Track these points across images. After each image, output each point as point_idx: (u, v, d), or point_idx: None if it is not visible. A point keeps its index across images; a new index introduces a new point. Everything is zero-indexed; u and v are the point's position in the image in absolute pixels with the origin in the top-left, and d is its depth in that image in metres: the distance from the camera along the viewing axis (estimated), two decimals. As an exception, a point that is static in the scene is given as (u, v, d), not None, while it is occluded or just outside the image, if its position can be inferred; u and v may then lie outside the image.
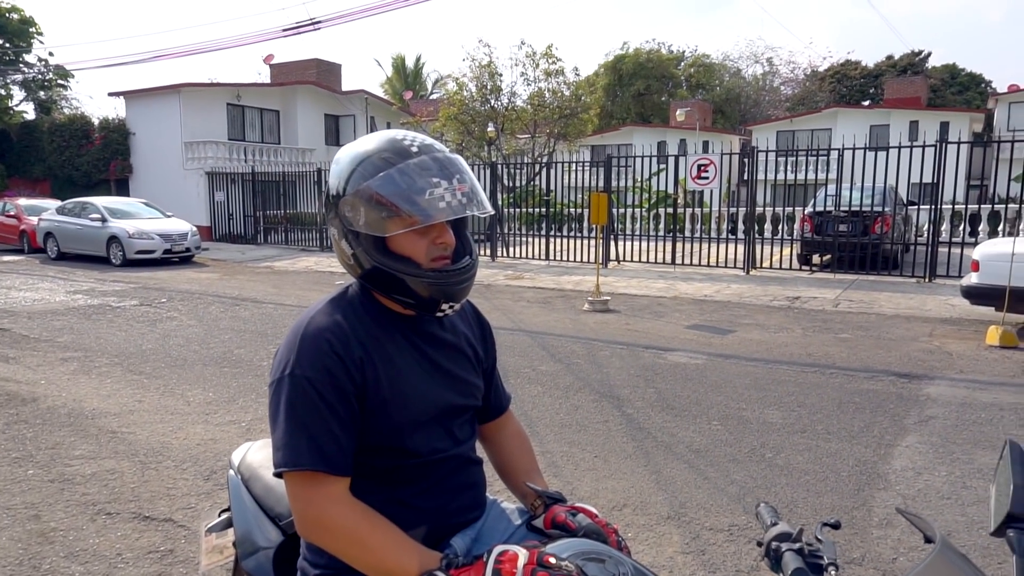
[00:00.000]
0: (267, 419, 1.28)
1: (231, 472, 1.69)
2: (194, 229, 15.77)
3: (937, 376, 5.67)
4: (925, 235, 11.48)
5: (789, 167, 21.76)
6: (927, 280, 10.85)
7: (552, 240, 14.80)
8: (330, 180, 1.30)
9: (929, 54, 42.20)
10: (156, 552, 2.91)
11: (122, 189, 22.96)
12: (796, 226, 12.88)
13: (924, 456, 3.95)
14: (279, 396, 1.23)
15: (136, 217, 15.41)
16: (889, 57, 42.99)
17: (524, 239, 15.45)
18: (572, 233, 15.24)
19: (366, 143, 1.29)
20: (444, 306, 1.30)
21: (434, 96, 37.08)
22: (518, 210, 16.68)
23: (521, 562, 1.09)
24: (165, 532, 3.08)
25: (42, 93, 27.32)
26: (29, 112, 27.58)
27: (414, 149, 1.25)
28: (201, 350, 6.69)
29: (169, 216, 16.19)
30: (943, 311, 8.59)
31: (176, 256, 15.11)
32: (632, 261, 13.84)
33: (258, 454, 1.68)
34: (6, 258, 16.33)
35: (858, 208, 11.37)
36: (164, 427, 4.47)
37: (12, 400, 5.03)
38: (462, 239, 1.36)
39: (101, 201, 15.82)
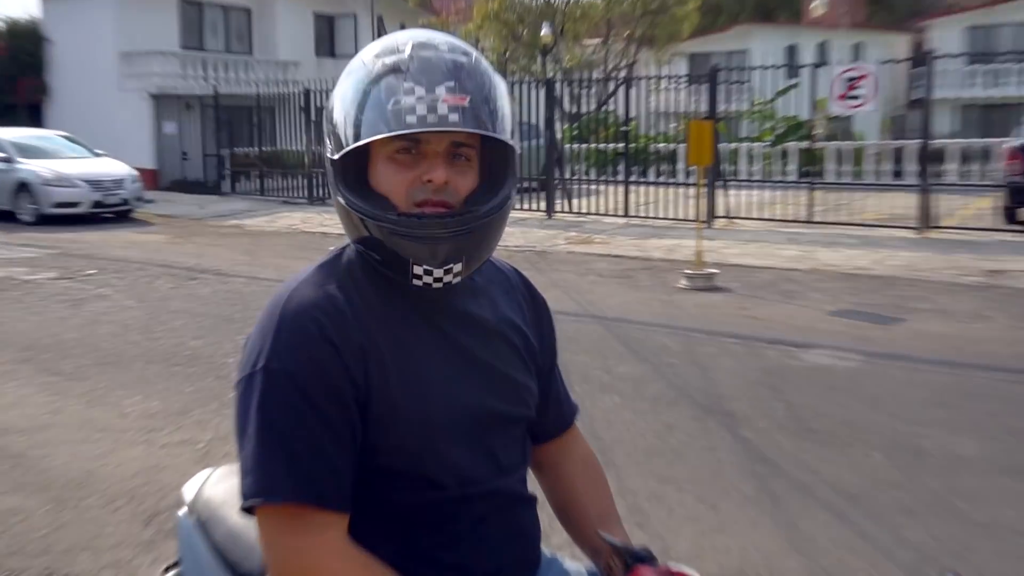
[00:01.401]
0: (233, 435, 1.29)
1: (182, 513, 1.72)
2: (134, 173, 16.20)
3: None
4: None
5: (986, 80, 21.05)
6: None
7: (633, 189, 14.67)
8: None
9: None
10: (75, 626, 2.96)
11: (35, 118, 23.57)
12: (1000, 166, 12.45)
13: None
14: (249, 399, 1.24)
15: (54, 156, 15.89)
16: None
17: (594, 187, 15.35)
18: (662, 178, 15.13)
19: (368, 48, 1.34)
20: (417, 270, 1.29)
21: (466, -15, 37.01)
22: (585, 146, 16.58)
23: None
24: (88, 598, 3.14)
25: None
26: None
27: (404, 50, 1.28)
28: (143, 342, 6.83)
29: (99, 155, 16.62)
30: None
31: (109, 211, 15.53)
32: (749, 218, 13.70)
33: (220, 486, 1.70)
34: None
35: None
36: (89, 449, 4.55)
37: None
38: (493, 184, 1.34)
39: (6, 134, 16.27)
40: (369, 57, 1.30)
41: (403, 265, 1.28)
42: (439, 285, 1.30)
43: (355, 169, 1.29)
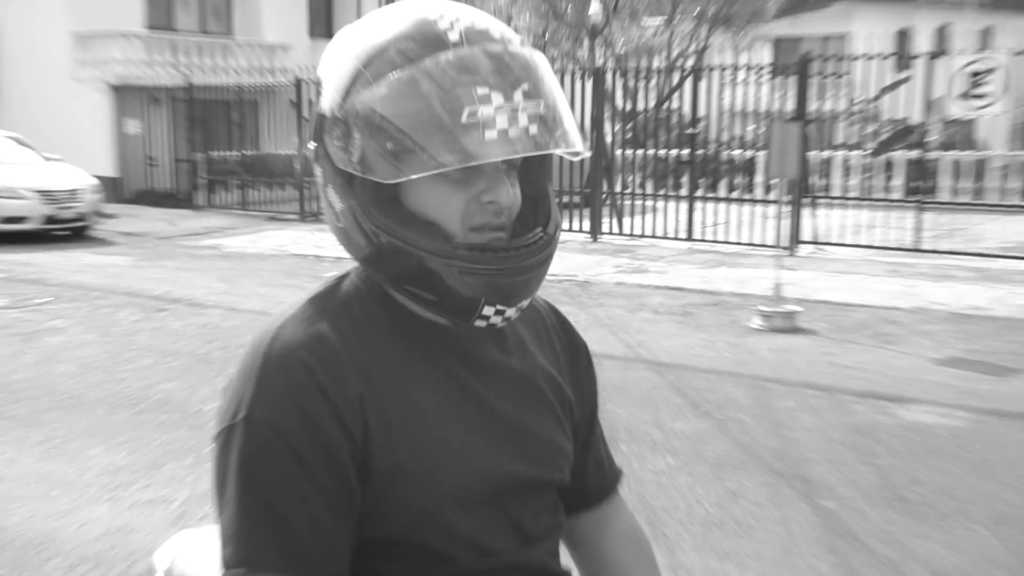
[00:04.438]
0: (212, 495, 1.31)
1: (154, 583, 1.83)
2: (93, 183, 16.31)
3: None
4: None
5: None
6: None
7: (700, 206, 14.67)
8: (321, 89, 1.31)
9: None
10: None
11: (-27, 115, 23.99)
12: None
13: None
14: (229, 454, 1.25)
15: (-2, 162, 16.00)
16: None
17: (651, 204, 15.33)
18: (735, 194, 15.13)
19: (378, 24, 1.29)
20: (488, 311, 1.29)
21: (497, -47, 37.33)
22: (641, 153, 16.53)
23: None
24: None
25: None
26: None
27: (453, 36, 1.22)
28: (106, 383, 6.93)
29: (51, 161, 16.75)
30: None
31: (63, 227, 15.69)
32: (842, 244, 13.68)
33: (197, 553, 1.73)
34: None
35: None
36: (48, 507, 4.67)
37: None
38: (537, 198, 1.37)
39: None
40: (402, 41, 1.23)
41: (470, 305, 1.28)
42: (502, 322, 1.32)
43: (390, 188, 1.26)
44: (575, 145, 1.25)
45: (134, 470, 5.24)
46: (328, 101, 1.28)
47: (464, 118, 1.16)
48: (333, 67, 1.30)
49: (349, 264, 1.40)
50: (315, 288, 1.40)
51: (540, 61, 1.26)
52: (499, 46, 1.22)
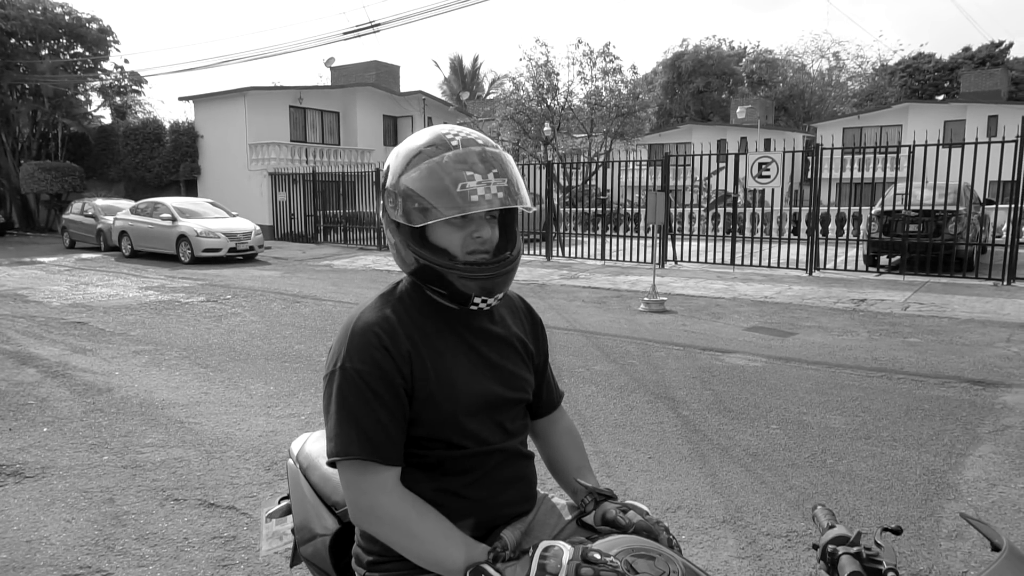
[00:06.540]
0: (322, 412, 1.32)
1: (290, 462, 1.73)
2: (257, 228, 16.24)
3: (1015, 384, 5.38)
4: (1004, 235, 10.94)
5: (856, 165, 21.09)
6: (1005, 283, 10.35)
7: (608, 240, 14.71)
8: (386, 175, 1.32)
9: (1011, 45, 40.20)
10: (220, 537, 3.02)
11: (191, 190, 23.89)
12: (863, 226, 12.44)
13: (999, 467, 3.76)
14: (331, 388, 1.26)
15: (203, 217, 15.99)
16: (966, 49, 41.14)
17: (580, 239, 15.39)
18: (628, 233, 15.10)
19: (417, 138, 1.30)
20: (477, 299, 1.29)
21: (491, 96, 37.29)
22: (574, 210, 16.64)
23: (566, 558, 1.10)
24: (228, 519, 3.19)
25: (118, 99, 28.59)
26: (106, 117, 28.94)
27: (455, 142, 1.25)
28: (263, 345, 6.85)
29: (234, 216, 16.72)
30: (1023, 315, 8.15)
31: (240, 254, 15.60)
32: (690, 262, 13.64)
33: (315, 445, 1.71)
34: (84, 256, 17.18)
35: (930, 207, 10.90)
36: (228, 418, 4.62)
37: (89, 390, 5.29)
38: (508, 234, 1.35)
39: (171, 201, 16.47)
40: (427, 147, 1.25)
41: (466, 297, 1.28)
42: (486, 307, 1.31)
43: (419, 229, 1.27)
44: (526, 203, 1.26)
45: (279, 396, 5.13)
46: (388, 182, 1.29)
47: (458, 188, 1.20)
48: (392, 162, 1.30)
49: (401, 274, 1.39)
50: (383, 289, 1.39)
51: (506, 157, 1.27)
52: (480, 148, 1.24)
